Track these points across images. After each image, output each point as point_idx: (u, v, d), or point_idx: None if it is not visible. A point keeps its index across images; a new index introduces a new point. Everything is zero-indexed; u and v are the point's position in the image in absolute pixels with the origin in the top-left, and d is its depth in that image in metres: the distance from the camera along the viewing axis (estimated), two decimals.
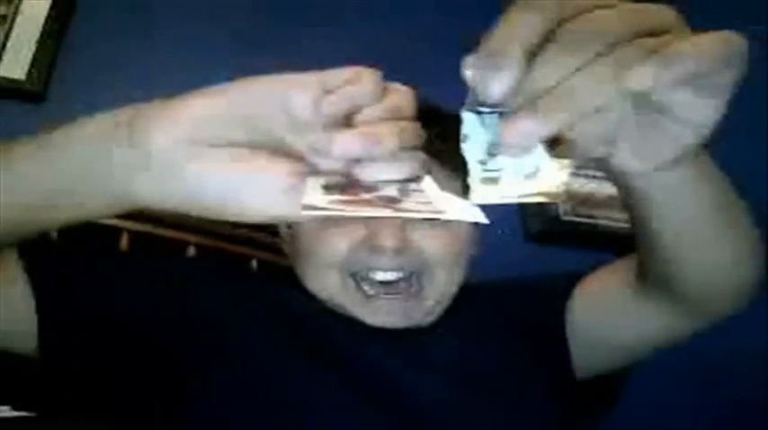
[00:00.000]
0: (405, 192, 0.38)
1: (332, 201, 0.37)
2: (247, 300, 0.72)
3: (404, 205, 0.37)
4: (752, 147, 1.48)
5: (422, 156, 0.39)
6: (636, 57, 0.30)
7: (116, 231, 0.99)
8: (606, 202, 1.46)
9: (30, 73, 1.19)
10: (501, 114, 0.32)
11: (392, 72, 0.42)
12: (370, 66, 0.40)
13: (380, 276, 0.68)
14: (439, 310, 0.73)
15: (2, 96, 1.16)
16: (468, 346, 0.72)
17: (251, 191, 0.39)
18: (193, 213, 0.41)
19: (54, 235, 0.79)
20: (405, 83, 0.41)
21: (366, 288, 0.69)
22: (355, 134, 0.37)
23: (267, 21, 1.40)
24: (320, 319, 0.71)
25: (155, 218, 1.01)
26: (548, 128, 0.31)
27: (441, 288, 0.71)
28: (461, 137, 0.34)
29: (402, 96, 0.40)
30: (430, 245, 0.69)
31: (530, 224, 1.44)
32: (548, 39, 0.31)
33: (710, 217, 0.52)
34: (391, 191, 0.38)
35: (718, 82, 0.32)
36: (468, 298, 0.77)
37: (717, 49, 0.30)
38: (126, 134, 0.40)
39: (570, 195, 1.46)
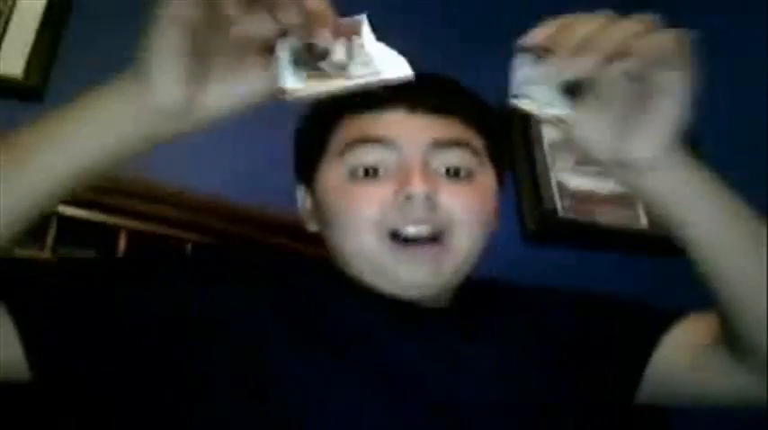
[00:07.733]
0: (350, 53, 0.49)
1: (305, 79, 0.48)
2: (257, 288, 0.71)
3: (352, 71, 0.49)
4: (752, 148, 1.48)
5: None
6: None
7: (115, 230, 0.99)
8: (606, 200, 1.45)
9: (27, 69, 1.17)
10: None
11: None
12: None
13: (412, 230, 0.69)
14: (463, 272, 0.73)
15: None
16: (507, 348, 0.72)
17: (244, 81, 0.52)
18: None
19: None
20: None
21: (399, 245, 0.69)
22: None
23: None
24: (335, 302, 0.71)
25: (154, 217, 1.01)
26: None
27: (463, 249, 0.71)
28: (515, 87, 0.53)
29: None
30: (455, 203, 0.70)
31: (527, 223, 1.41)
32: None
33: (754, 262, 0.59)
34: (341, 53, 0.49)
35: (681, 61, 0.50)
36: (530, 297, 0.79)
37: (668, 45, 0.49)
38: (142, 107, 0.52)
39: (569, 193, 1.45)
